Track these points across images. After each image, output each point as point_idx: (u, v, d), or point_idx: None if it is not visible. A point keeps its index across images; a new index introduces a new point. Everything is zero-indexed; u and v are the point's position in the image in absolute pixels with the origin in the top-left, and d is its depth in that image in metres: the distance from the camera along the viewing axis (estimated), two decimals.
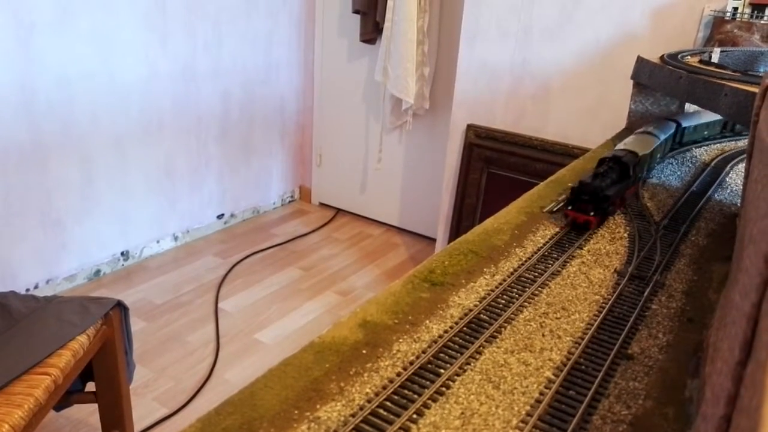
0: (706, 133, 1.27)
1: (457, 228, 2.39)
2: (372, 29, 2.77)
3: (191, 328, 2.15)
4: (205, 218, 2.86)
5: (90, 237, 2.36)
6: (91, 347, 1.22)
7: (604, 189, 0.78)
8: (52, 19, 2.05)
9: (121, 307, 1.33)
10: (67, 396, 1.28)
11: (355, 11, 2.77)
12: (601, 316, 0.57)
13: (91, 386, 1.38)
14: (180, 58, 2.52)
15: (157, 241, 2.65)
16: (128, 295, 2.32)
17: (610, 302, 0.59)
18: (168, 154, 2.59)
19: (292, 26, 3.03)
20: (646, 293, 0.62)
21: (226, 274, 2.53)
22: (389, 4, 2.54)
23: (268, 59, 2.94)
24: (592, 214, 0.76)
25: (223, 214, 2.94)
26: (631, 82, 1.36)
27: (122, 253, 2.51)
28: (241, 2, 2.71)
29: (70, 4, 2.08)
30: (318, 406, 0.43)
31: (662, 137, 1.07)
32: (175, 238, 2.73)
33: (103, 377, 1.34)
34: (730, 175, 1.05)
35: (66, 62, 2.12)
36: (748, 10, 1.73)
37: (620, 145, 0.95)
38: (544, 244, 0.72)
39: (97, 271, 2.42)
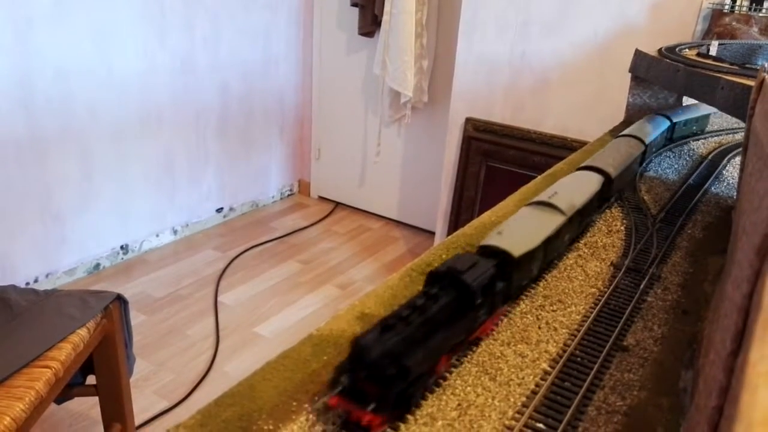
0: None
1: (456, 221, 2.40)
2: (370, 22, 2.76)
3: (191, 321, 2.16)
4: (204, 212, 2.86)
5: (89, 231, 2.37)
6: (92, 340, 1.23)
7: (404, 354, 0.40)
8: (50, 13, 2.04)
9: (121, 300, 1.33)
10: (67, 389, 1.28)
11: (354, 4, 2.76)
12: (597, 308, 0.57)
13: (91, 379, 1.39)
14: (178, 52, 2.51)
15: (157, 235, 2.65)
16: (128, 288, 2.32)
17: (606, 295, 0.60)
18: (167, 148, 2.59)
19: (291, 20, 3.02)
20: (642, 286, 0.62)
21: (226, 268, 2.53)
22: None
23: (266, 53, 2.93)
24: (373, 408, 0.39)
25: (222, 208, 2.95)
26: (629, 75, 1.36)
27: (122, 247, 2.51)
28: None
29: None
30: (316, 398, 0.43)
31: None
32: (175, 232, 2.73)
33: (103, 370, 1.35)
34: (726, 168, 1.05)
35: (64, 56, 2.12)
36: (746, 3, 1.73)
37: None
38: None
39: (97, 265, 2.43)
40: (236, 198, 3.02)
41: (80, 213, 2.32)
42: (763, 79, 0.66)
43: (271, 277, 2.49)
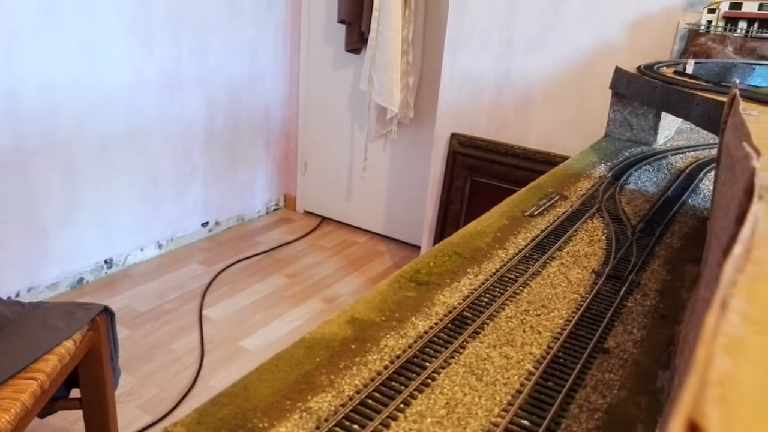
0: None
1: (441, 235, 2.42)
2: (357, 39, 2.80)
3: (176, 335, 2.14)
4: (190, 226, 2.85)
5: (73, 244, 2.35)
6: (78, 353, 1.23)
7: None
8: (37, 25, 2.05)
9: (107, 312, 1.33)
10: (51, 402, 1.27)
11: (341, 21, 2.80)
12: (579, 313, 0.59)
13: (75, 393, 1.38)
14: (165, 65, 2.52)
15: (141, 249, 2.64)
16: (112, 302, 2.30)
17: (587, 300, 0.62)
18: (153, 161, 2.59)
19: (278, 35, 3.05)
20: (622, 292, 0.65)
21: (211, 282, 2.52)
22: (374, 14, 2.57)
23: (253, 67, 2.96)
24: None
25: (207, 222, 2.94)
26: (610, 91, 1.40)
27: (106, 261, 2.50)
28: (226, 10, 2.73)
29: (53, 11, 2.08)
30: (309, 397, 0.45)
31: None
32: (160, 246, 2.72)
33: (88, 383, 1.34)
34: (703, 181, 1.09)
35: (49, 68, 2.12)
36: (721, 24, 1.79)
37: None
38: (525, 246, 0.74)
39: (80, 279, 2.41)
40: (222, 212, 3.02)
41: (64, 226, 2.30)
42: (734, 95, 0.69)
43: (256, 292, 2.49)
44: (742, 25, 1.73)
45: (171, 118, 2.61)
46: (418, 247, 2.74)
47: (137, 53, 2.40)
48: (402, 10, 2.53)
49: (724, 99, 0.78)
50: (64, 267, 2.34)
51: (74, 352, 1.20)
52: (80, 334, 1.23)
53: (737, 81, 1.12)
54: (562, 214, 0.86)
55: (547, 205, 0.90)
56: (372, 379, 0.47)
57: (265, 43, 2.99)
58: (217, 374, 1.96)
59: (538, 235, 0.79)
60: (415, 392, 0.46)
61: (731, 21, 1.76)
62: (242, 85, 2.92)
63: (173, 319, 2.24)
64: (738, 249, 0.22)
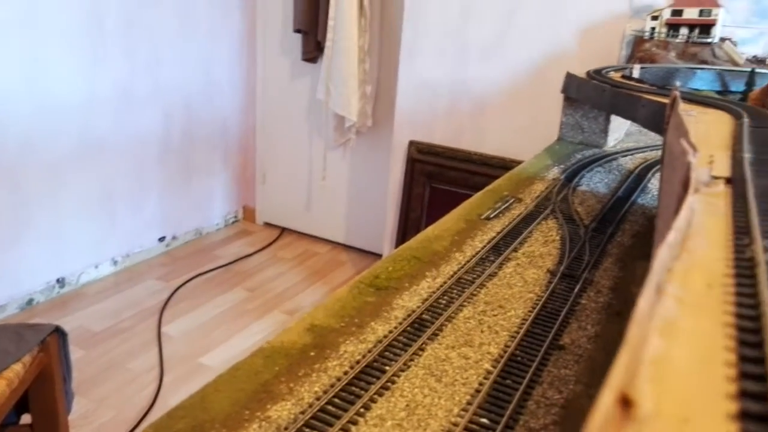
0: None
1: (403, 242, 2.42)
2: (313, 48, 2.80)
3: (133, 354, 2.08)
4: (146, 241, 2.79)
5: (22, 264, 2.26)
6: (27, 376, 1.18)
7: None
8: None
9: (59, 333, 1.28)
10: (0, 430, 1.22)
11: (297, 30, 2.80)
12: (535, 311, 0.60)
13: (26, 419, 1.32)
14: (119, 79, 2.47)
15: (96, 266, 2.56)
16: (65, 323, 2.21)
17: (543, 299, 0.63)
18: (106, 176, 2.52)
19: (233, 46, 3.02)
20: (576, 290, 0.66)
21: (169, 298, 2.47)
22: (330, 23, 2.58)
23: (209, 79, 2.92)
24: None
25: (164, 237, 2.88)
26: (562, 96, 1.44)
27: (58, 280, 2.41)
28: (180, 22, 2.69)
29: None
30: (268, 406, 0.44)
31: None
32: (115, 263, 2.64)
33: (40, 408, 1.28)
34: (651, 181, 1.13)
35: None
36: (664, 30, 1.86)
37: None
38: (482, 248, 0.76)
39: (30, 300, 2.32)
40: (179, 226, 2.96)
41: (11, 246, 2.21)
42: (675, 97, 0.72)
43: (216, 306, 2.44)
44: (684, 31, 1.80)
45: (125, 133, 2.55)
46: (380, 256, 2.75)
47: (89, 67, 2.34)
48: (357, 20, 2.55)
49: (667, 101, 0.82)
50: (12, 288, 2.25)
51: (24, 376, 1.15)
52: (30, 356, 1.18)
53: (680, 84, 1.17)
54: (518, 216, 0.88)
55: (502, 208, 0.91)
56: (332, 385, 0.47)
57: (220, 54, 2.96)
58: (177, 393, 1.91)
59: (495, 237, 0.80)
60: (376, 396, 0.46)
61: (673, 27, 1.83)
62: (198, 98, 2.88)
63: (130, 338, 2.17)
64: (672, 236, 0.23)
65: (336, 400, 0.45)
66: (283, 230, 3.26)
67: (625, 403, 0.14)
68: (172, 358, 2.07)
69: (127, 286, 2.55)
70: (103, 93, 2.41)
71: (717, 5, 1.73)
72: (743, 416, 0.15)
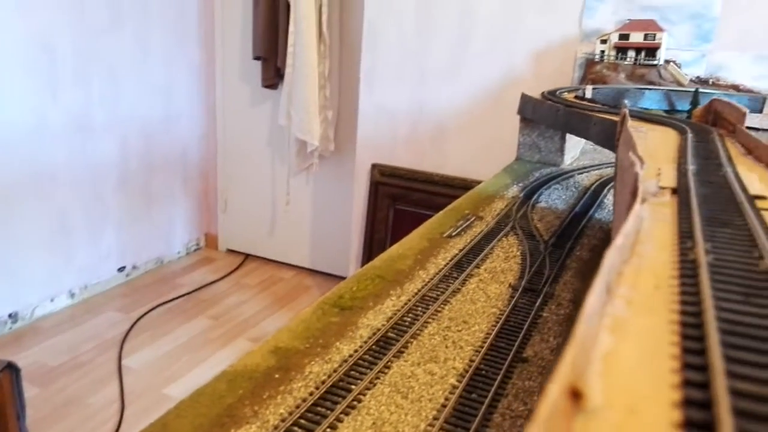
0: None
1: None
2: (273, 74, 2.81)
3: (92, 389, 2.01)
4: (105, 272, 2.71)
5: None
6: None
7: None
8: None
9: (11, 369, 1.23)
10: None
11: (256, 57, 2.80)
12: (498, 326, 0.61)
13: None
14: (73, 107, 2.42)
15: (51, 300, 2.47)
16: (18, 359, 2.12)
17: (506, 313, 0.64)
18: (61, 206, 2.45)
19: (192, 73, 3.01)
20: (537, 303, 0.67)
21: (130, 329, 2.40)
22: (290, 50, 2.60)
23: (167, 106, 2.89)
24: None
25: (124, 267, 2.81)
26: (518, 117, 1.48)
27: (10, 315, 2.32)
28: (137, 49, 2.67)
29: None
30: (232, 431, 0.43)
31: None
32: (72, 295, 2.56)
33: None
34: (607, 197, 1.16)
35: None
36: (613, 53, 1.94)
37: None
38: (445, 266, 0.76)
39: None
40: (139, 256, 2.89)
41: None
42: (625, 114, 0.75)
43: (179, 336, 2.39)
44: (631, 53, 1.88)
45: (80, 162, 2.50)
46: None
47: (40, 95, 2.29)
48: (317, 46, 2.57)
49: (617, 119, 0.85)
50: None
51: None
52: None
53: (630, 104, 1.22)
54: (479, 234, 0.89)
55: (464, 226, 0.93)
56: (297, 407, 0.46)
57: (179, 82, 2.93)
58: (139, 425, 1.84)
59: (457, 254, 0.81)
60: (342, 415, 0.46)
61: (621, 50, 1.91)
62: (157, 126, 2.85)
63: (89, 372, 2.10)
64: (620, 240, 0.24)
65: (302, 421, 0.45)
66: (247, 256, 3.22)
67: (575, 395, 0.15)
68: (134, 391, 2.01)
69: (85, 318, 2.47)
70: (55, 122, 2.36)
71: (660, 29, 1.82)
72: (686, 403, 0.15)
